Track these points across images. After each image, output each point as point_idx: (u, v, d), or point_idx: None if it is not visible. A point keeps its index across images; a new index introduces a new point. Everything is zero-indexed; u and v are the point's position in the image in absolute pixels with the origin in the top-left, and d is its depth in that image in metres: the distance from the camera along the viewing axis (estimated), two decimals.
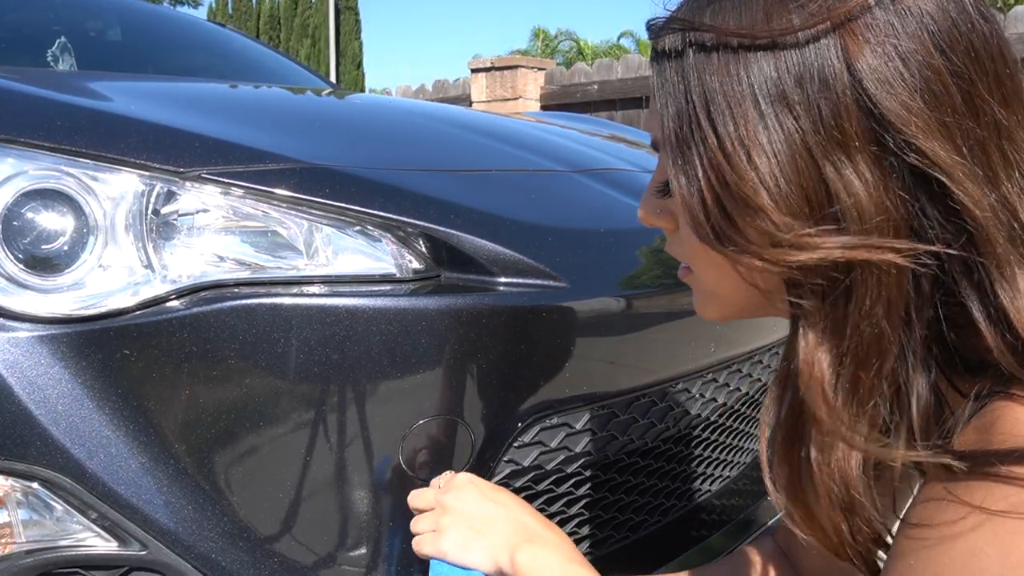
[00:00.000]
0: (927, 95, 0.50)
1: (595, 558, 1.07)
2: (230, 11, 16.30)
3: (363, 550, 0.86)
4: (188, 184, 0.84)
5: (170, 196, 0.84)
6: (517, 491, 0.95)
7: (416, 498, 0.84)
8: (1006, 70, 0.52)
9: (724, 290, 0.61)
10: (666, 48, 0.56)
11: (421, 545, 0.81)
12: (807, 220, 0.52)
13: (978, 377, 0.53)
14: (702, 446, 1.23)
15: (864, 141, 0.50)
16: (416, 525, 0.83)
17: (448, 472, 0.86)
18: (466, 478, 0.83)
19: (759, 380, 1.34)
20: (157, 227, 0.83)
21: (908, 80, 0.50)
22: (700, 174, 0.54)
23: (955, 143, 0.50)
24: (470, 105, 5.74)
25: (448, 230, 0.90)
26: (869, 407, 0.54)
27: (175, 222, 0.84)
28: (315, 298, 0.82)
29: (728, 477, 1.32)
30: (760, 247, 0.53)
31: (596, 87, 5.32)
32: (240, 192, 0.85)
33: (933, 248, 0.51)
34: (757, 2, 0.53)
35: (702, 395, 1.18)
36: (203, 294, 0.81)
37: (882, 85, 0.50)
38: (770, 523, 1.24)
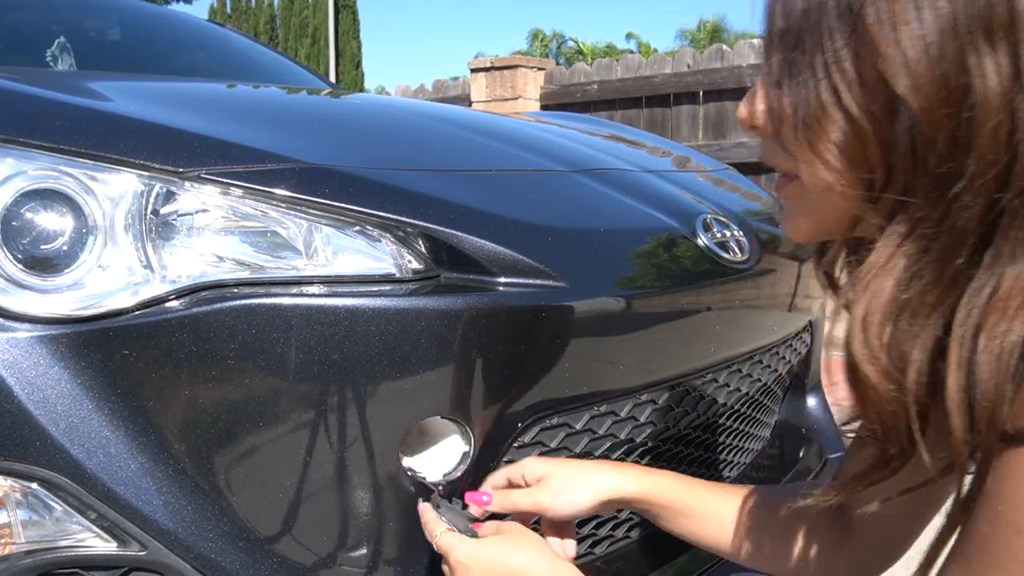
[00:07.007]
0: None
1: (594, 559, 1.07)
2: (229, 11, 16.28)
3: (363, 550, 0.86)
4: (187, 184, 0.84)
5: (169, 196, 0.84)
6: None
7: (436, 533, 0.80)
8: None
9: (826, 198, 0.59)
10: None
11: None
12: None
13: None
14: (702, 447, 1.23)
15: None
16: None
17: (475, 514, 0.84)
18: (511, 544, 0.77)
19: (759, 380, 1.34)
20: (156, 227, 0.83)
21: None
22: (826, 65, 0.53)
23: None
24: (470, 105, 5.73)
25: (447, 230, 0.90)
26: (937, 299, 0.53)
27: (174, 222, 0.84)
28: (314, 298, 0.82)
29: (728, 478, 1.32)
30: None
31: (596, 87, 5.30)
32: (239, 192, 0.85)
33: None
34: None
35: (702, 395, 1.18)
36: (202, 294, 0.81)
37: None
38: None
